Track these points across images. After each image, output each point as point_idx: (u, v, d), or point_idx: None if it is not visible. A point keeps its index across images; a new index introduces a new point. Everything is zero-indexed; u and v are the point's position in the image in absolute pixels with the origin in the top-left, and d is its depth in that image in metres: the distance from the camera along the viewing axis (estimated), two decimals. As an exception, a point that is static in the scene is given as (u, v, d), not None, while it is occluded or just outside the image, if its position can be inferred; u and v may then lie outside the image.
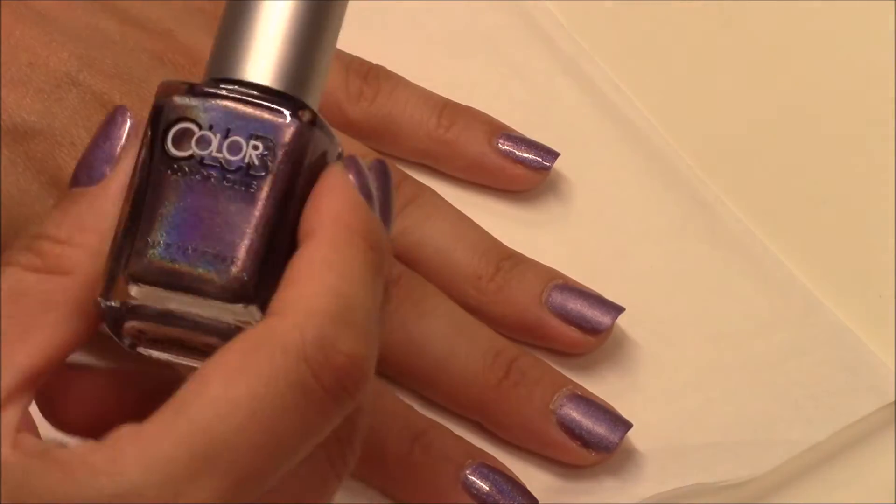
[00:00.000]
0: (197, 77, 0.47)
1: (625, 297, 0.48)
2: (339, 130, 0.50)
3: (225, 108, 0.36)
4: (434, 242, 0.48)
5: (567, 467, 0.46)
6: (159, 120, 0.36)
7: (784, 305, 0.50)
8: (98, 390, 0.39)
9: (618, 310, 0.48)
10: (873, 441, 0.48)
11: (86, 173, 0.37)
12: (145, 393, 0.39)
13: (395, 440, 0.44)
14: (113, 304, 0.36)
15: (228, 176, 0.36)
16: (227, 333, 0.36)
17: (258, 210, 0.36)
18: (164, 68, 0.47)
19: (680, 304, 0.50)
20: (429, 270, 0.48)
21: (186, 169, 0.36)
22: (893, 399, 0.48)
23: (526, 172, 0.51)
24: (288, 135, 0.36)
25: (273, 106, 0.36)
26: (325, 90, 0.38)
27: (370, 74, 0.52)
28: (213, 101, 0.36)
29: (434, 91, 0.53)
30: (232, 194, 0.36)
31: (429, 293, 0.47)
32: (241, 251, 0.35)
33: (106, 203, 0.37)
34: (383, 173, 0.38)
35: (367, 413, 0.37)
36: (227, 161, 0.36)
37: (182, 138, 0.36)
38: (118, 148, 0.37)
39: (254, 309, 0.36)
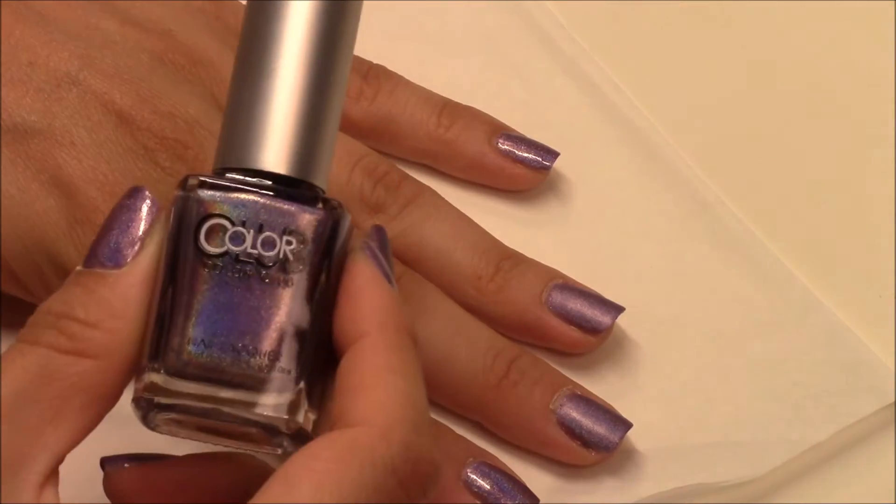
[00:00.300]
0: (199, 79, 0.47)
1: (625, 297, 0.48)
2: (340, 130, 0.50)
3: (255, 203, 0.36)
4: (434, 242, 0.48)
5: (567, 467, 0.46)
6: (186, 213, 0.37)
7: (784, 305, 0.50)
8: (171, 484, 0.40)
9: (618, 309, 0.48)
10: (873, 441, 0.48)
11: (108, 254, 0.37)
12: (218, 485, 0.40)
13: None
14: (148, 397, 0.37)
15: (264, 272, 0.36)
16: (266, 424, 0.36)
17: (293, 303, 0.36)
18: (165, 68, 0.47)
19: (680, 304, 0.50)
20: (429, 270, 0.48)
21: (221, 265, 0.36)
22: (893, 400, 0.48)
23: (526, 172, 0.51)
24: (319, 227, 0.37)
25: (302, 199, 0.37)
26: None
27: (370, 74, 0.52)
28: (241, 196, 0.36)
29: (434, 91, 0.53)
30: (268, 289, 0.36)
31: (429, 293, 0.47)
32: (280, 345, 0.36)
33: (132, 289, 0.37)
34: (381, 241, 0.39)
35: None
36: (263, 257, 0.36)
37: (214, 234, 0.36)
38: (141, 231, 0.37)
39: (286, 396, 0.36)
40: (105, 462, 0.41)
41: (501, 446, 0.47)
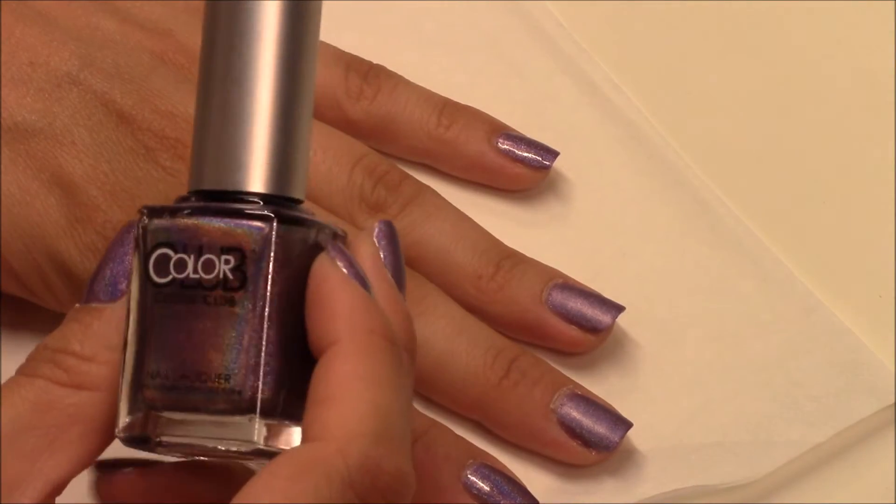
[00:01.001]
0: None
1: (625, 297, 0.48)
2: (340, 130, 0.50)
3: (194, 227, 0.36)
4: (434, 242, 0.48)
5: (567, 467, 0.46)
6: (140, 245, 0.37)
7: (784, 305, 0.50)
8: (163, 489, 0.41)
9: (618, 309, 0.48)
10: (873, 442, 0.48)
11: (104, 289, 0.38)
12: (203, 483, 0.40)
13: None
14: (125, 436, 0.37)
15: (208, 295, 0.36)
16: (240, 445, 0.36)
17: (244, 323, 0.36)
18: (165, 68, 0.47)
19: (680, 304, 0.50)
20: (429, 270, 0.48)
21: (170, 294, 0.36)
22: (893, 401, 0.48)
23: (526, 171, 0.51)
24: (258, 242, 0.36)
25: (239, 214, 0.36)
26: (310, 165, 0.38)
27: (370, 74, 0.52)
28: (182, 221, 0.36)
29: (434, 91, 0.53)
30: (214, 311, 0.36)
31: (429, 292, 0.47)
32: (237, 367, 0.36)
33: (121, 321, 0.37)
34: (390, 235, 0.38)
35: None
36: (204, 279, 0.36)
37: (161, 264, 0.36)
38: (130, 264, 0.37)
39: (258, 417, 0.36)
40: (99, 466, 0.41)
41: (501, 446, 0.47)
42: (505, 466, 0.45)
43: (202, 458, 0.38)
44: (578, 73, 0.55)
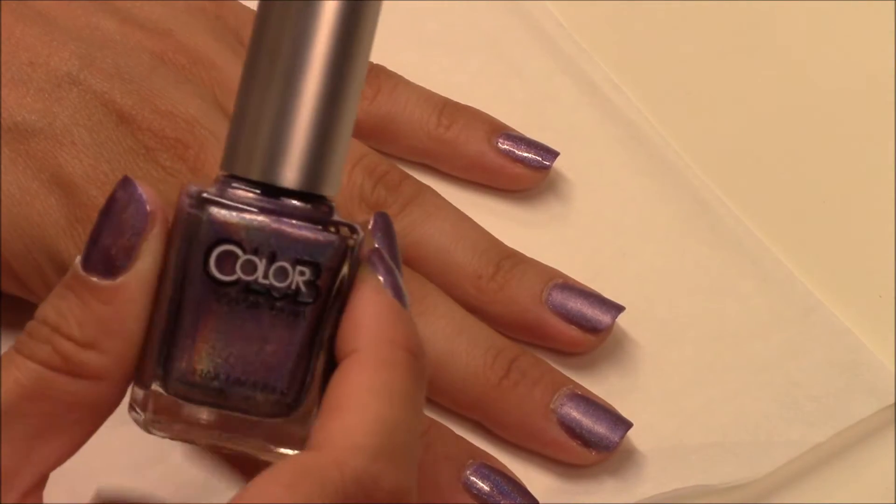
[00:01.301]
0: (199, 79, 0.47)
1: (625, 297, 0.48)
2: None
3: (267, 228, 0.35)
4: (434, 242, 0.48)
5: (567, 467, 0.46)
6: (195, 232, 0.35)
7: (784, 305, 0.50)
8: None
9: (618, 309, 0.48)
10: (873, 442, 0.48)
11: (103, 263, 0.36)
12: None
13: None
14: (146, 415, 0.36)
15: (276, 303, 0.35)
16: (269, 453, 0.36)
17: (304, 336, 0.35)
18: (165, 68, 0.47)
19: (680, 304, 0.50)
20: (429, 270, 0.48)
21: (232, 294, 0.35)
22: (893, 401, 0.48)
23: (526, 171, 0.51)
24: (333, 257, 0.35)
25: (315, 223, 0.35)
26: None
27: (370, 74, 0.52)
28: (253, 218, 0.35)
29: (434, 91, 0.53)
30: (278, 320, 0.35)
31: (429, 292, 0.47)
32: (287, 377, 0.35)
33: (129, 305, 0.36)
34: (385, 227, 0.38)
35: None
36: (274, 288, 0.35)
37: (225, 260, 0.35)
38: (136, 235, 0.36)
39: (298, 431, 0.36)
40: None
41: (501, 446, 0.47)
42: (505, 466, 0.45)
43: (207, 447, 0.38)
44: (578, 73, 0.55)
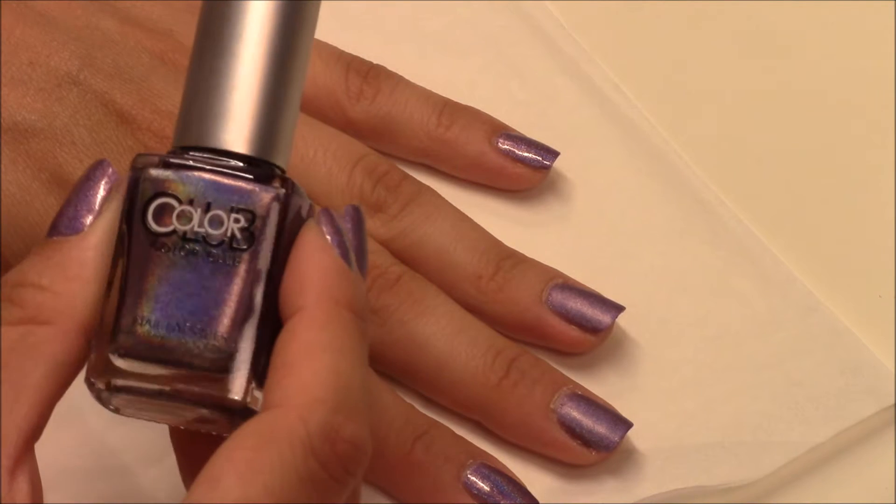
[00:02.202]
0: None
1: (625, 297, 0.48)
2: (340, 130, 0.50)
3: (203, 181, 0.36)
4: (434, 242, 0.48)
5: (567, 467, 0.46)
6: (136, 193, 0.36)
7: (784, 305, 0.50)
8: None
9: (618, 309, 0.48)
10: (873, 442, 0.48)
11: (66, 223, 0.37)
12: None
13: (397, 439, 0.44)
14: (100, 381, 0.36)
15: (212, 250, 0.36)
16: (219, 406, 0.36)
17: (242, 282, 0.36)
18: (165, 68, 0.47)
19: (680, 304, 0.50)
20: (429, 270, 0.48)
21: (169, 244, 0.36)
22: (893, 401, 0.48)
23: (526, 171, 0.51)
24: (269, 206, 0.36)
25: (252, 177, 0.36)
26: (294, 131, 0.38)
27: (370, 74, 0.52)
28: (190, 174, 0.36)
29: (434, 91, 0.53)
30: (215, 268, 0.36)
31: (429, 293, 0.47)
32: (227, 324, 0.36)
33: (86, 252, 0.36)
34: (357, 219, 0.38)
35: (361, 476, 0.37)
36: (210, 235, 0.36)
37: (162, 213, 0.36)
38: (99, 199, 0.37)
39: (240, 377, 0.36)
40: None
41: (501, 446, 0.47)
42: (505, 466, 0.45)
43: (169, 422, 0.38)
44: (578, 73, 0.55)
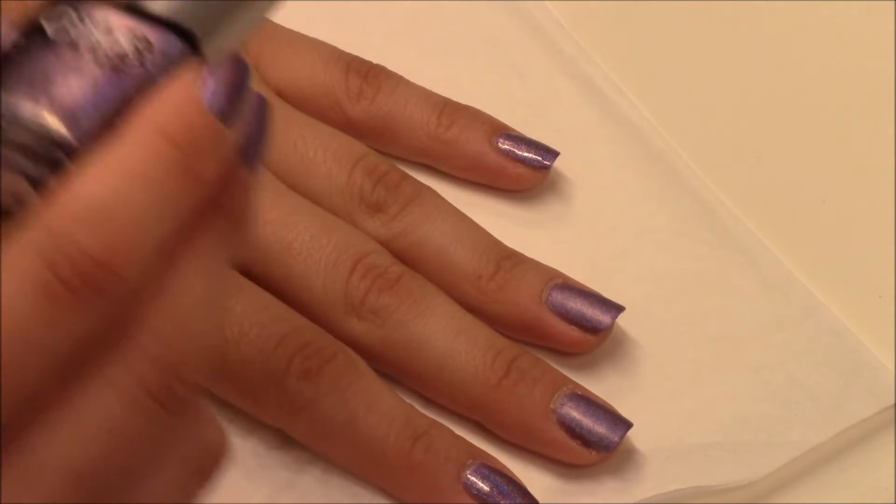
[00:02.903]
0: None
1: (625, 297, 0.48)
2: (340, 130, 0.50)
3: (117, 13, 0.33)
4: (434, 242, 0.48)
5: (567, 467, 0.46)
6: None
7: (784, 305, 0.50)
8: None
9: (617, 309, 0.48)
10: (873, 443, 0.48)
11: None
12: None
13: (396, 439, 0.44)
14: None
15: (98, 53, 0.33)
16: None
17: (110, 88, 0.32)
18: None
19: (680, 304, 0.50)
20: (429, 270, 0.48)
21: (56, 39, 0.33)
22: (893, 402, 0.48)
23: (526, 172, 0.51)
24: (169, 50, 0.33)
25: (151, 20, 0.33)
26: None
27: (370, 74, 0.52)
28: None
29: (434, 91, 0.53)
30: (93, 69, 0.32)
31: (429, 293, 0.47)
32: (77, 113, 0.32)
33: None
34: (260, 105, 0.34)
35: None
36: (98, 42, 0.33)
37: (59, 18, 0.33)
38: None
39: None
40: None
41: (501, 446, 0.47)
42: (505, 466, 0.45)
43: None
44: (578, 73, 0.55)
